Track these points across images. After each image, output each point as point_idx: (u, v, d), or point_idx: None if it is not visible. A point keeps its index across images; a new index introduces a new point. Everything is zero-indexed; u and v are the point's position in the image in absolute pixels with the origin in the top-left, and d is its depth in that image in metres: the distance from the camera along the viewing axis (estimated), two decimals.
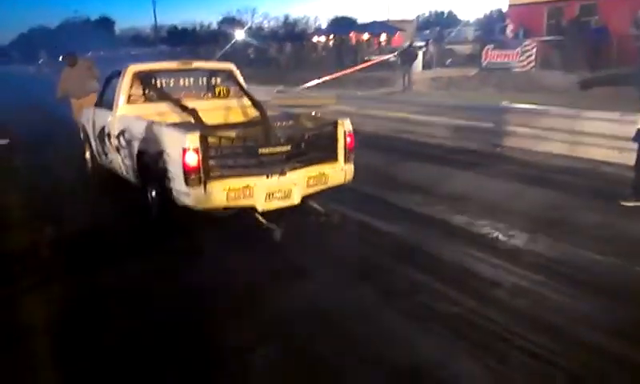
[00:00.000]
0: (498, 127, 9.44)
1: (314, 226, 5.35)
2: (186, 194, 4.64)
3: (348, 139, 5.37)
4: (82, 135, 8.13)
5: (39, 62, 70.88)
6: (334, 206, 5.75)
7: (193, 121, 5.64)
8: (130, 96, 6.31)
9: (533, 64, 18.84)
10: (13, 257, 4.91)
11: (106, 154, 6.81)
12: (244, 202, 4.79)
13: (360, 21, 59.10)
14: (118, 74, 6.59)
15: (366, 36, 37.46)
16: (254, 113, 6.54)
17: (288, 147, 5.01)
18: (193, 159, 4.51)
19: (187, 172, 4.53)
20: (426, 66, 23.75)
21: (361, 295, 3.96)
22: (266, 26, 61.36)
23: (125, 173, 6.27)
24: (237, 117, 6.76)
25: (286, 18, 59.54)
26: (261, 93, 15.50)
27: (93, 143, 7.46)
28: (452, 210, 5.80)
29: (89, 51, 63.92)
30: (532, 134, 8.83)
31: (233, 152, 4.82)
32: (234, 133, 5.09)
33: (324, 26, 60.19)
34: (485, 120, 9.90)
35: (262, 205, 4.87)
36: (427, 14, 65.01)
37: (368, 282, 4.19)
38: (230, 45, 43.19)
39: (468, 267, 4.39)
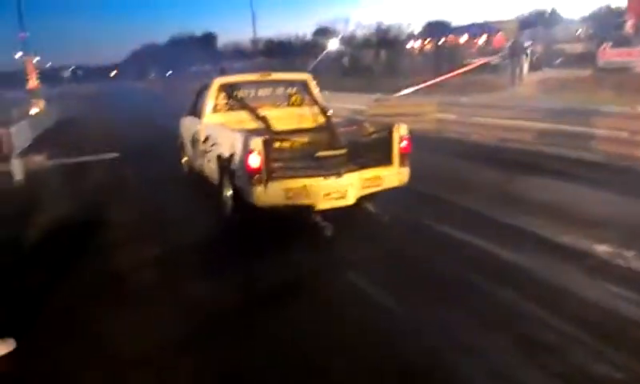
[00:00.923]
0: (628, 136, 8.28)
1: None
2: (249, 192, 5.17)
3: (403, 143, 5.63)
4: (179, 142, 8.79)
5: (150, 77, 76.38)
6: (447, 229, 5.49)
7: (264, 127, 6.31)
8: (215, 105, 7.08)
9: None
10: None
11: (197, 158, 7.47)
12: (302, 201, 5.23)
13: (454, 24, 57.11)
14: (206, 85, 7.37)
15: (464, 38, 36.03)
16: (323, 120, 7.03)
17: (344, 151, 5.38)
18: (256, 161, 5.02)
19: (250, 172, 5.06)
20: (534, 66, 22.14)
21: (493, 345, 3.37)
22: (359, 34, 60.98)
23: (209, 174, 6.85)
24: (307, 123, 7.15)
25: (379, 25, 58.62)
26: (358, 101, 15.27)
27: (188, 148, 8.13)
28: (589, 237, 4.95)
29: (194, 66, 67.86)
30: None
31: (293, 155, 5.26)
32: (296, 137, 5.57)
33: (417, 31, 58.82)
34: (610, 127, 8.73)
35: (319, 204, 5.30)
36: (527, 14, 61.00)
37: (499, 329, 3.55)
38: (323, 54, 43.53)
39: (624, 315, 3.60)
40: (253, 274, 4.69)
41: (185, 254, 5.34)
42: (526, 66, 22.00)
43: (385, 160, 5.62)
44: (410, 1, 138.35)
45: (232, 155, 5.63)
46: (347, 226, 5.56)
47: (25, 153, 11.93)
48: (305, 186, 5.20)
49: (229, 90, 7.13)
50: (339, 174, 5.29)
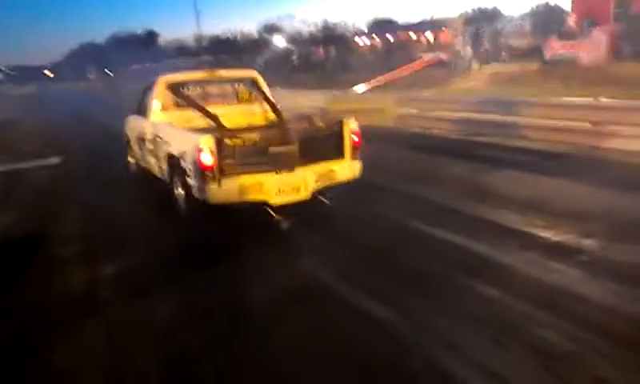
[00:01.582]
0: (587, 126, 8.34)
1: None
2: (202, 190, 5.14)
3: (354, 138, 5.72)
4: (124, 141, 8.55)
5: (89, 77, 73.24)
6: (400, 218, 5.48)
7: (214, 125, 6.22)
8: (162, 104, 6.90)
9: (603, 55, 17.40)
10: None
11: (144, 158, 7.37)
12: (256, 197, 5.24)
13: (400, 21, 57.57)
14: (152, 84, 7.15)
15: (412, 35, 36.39)
16: (273, 116, 7.02)
17: (296, 146, 5.40)
18: (208, 159, 5.01)
19: (203, 170, 5.04)
20: (483, 61, 22.53)
21: (511, 358, 3.09)
22: (305, 31, 60.70)
23: (159, 173, 6.79)
24: (257, 120, 7.16)
25: (325, 22, 58.76)
26: (315, 98, 14.94)
27: (134, 147, 7.97)
28: (575, 231, 4.81)
29: (135, 64, 65.61)
30: (631, 134, 7.69)
31: (245, 151, 5.30)
32: (246, 134, 5.69)
33: (363, 28, 59.01)
34: (566, 118, 8.79)
35: (273, 199, 5.31)
36: (470, 11, 62.46)
37: (511, 340, 3.26)
38: (270, 50, 42.93)
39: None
40: (213, 277, 4.48)
41: (140, 263, 4.95)
42: (474, 62, 22.45)
43: (336, 154, 5.70)
44: None
45: (183, 154, 5.55)
46: (302, 220, 5.58)
47: None
48: (258, 181, 5.21)
49: (175, 88, 6.94)
50: (292, 169, 5.33)
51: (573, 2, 22.51)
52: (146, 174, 7.44)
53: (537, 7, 49.66)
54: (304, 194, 5.45)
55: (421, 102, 12.17)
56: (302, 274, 4.38)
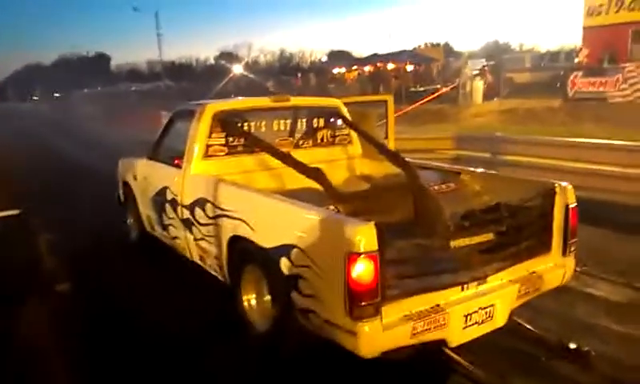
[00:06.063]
0: None
1: None
2: (346, 331, 2.70)
3: (569, 217, 3.41)
4: (121, 193, 6.23)
5: (34, 99, 69.01)
6: None
7: (323, 189, 3.63)
8: (208, 147, 4.48)
9: None
10: None
11: (165, 227, 4.96)
12: (433, 335, 2.85)
13: (355, 54, 57.47)
14: (187, 114, 4.77)
15: (391, 66, 34.92)
16: (371, 168, 4.98)
17: (490, 235, 3.15)
18: (368, 272, 2.58)
19: (356, 295, 2.60)
20: (486, 96, 20.99)
21: None
22: (263, 59, 61.06)
23: (198, 259, 4.46)
24: (343, 173, 5.01)
25: (282, 51, 59.67)
26: None
27: (142, 207, 5.59)
28: None
29: (85, 88, 62.21)
30: None
31: (411, 249, 2.83)
32: (379, 207, 3.35)
33: (319, 59, 59.21)
34: None
35: (457, 337, 2.98)
36: (423, 46, 64.17)
37: None
38: (239, 77, 41.47)
39: None
40: None
41: None
42: (479, 96, 20.98)
43: (539, 245, 3.41)
44: (311, 30, 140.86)
45: (286, 248, 3.08)
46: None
47: None
48: (436, 305, 2.88)
49: (230, 123, 4.55)
50: (484, 278, 3.07)
51: (583, 36, 21.34)
52: (154, 244, 5.35)
53: (487, 44, 50.86)
54: (500, 321, 3.18)
55: (481, 142, 9.87)
56: None
